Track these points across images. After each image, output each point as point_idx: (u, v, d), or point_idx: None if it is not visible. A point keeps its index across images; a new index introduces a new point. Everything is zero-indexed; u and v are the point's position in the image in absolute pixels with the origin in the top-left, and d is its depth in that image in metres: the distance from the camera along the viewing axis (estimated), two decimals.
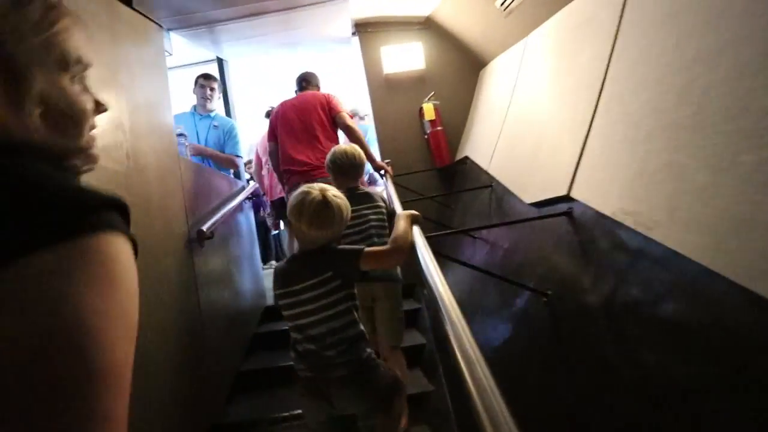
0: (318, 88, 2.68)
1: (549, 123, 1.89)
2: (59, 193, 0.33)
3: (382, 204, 1.81)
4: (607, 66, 1.43)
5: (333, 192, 1.20)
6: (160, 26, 2.29)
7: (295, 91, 2.70)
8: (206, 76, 2.96)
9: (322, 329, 1.15)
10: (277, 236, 5.05)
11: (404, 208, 1.66)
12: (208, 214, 2.29)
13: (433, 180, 3.35)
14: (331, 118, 2.44)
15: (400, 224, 1.25)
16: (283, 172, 2.44)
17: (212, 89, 2.91)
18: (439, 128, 3.25)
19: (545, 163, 1.79)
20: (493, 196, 2.31)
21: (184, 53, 3.45)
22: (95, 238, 0.32)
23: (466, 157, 3.03)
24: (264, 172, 3.52)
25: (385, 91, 3.44)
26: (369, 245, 1.36)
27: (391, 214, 1.76)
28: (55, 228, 0.31)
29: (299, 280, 1.17)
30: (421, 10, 3.26)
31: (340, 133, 2.54)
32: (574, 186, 1.45)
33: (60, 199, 0.33)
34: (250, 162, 5.06)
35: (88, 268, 0.31)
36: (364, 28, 3.44)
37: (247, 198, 3.10)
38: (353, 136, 2.37)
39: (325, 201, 1.15)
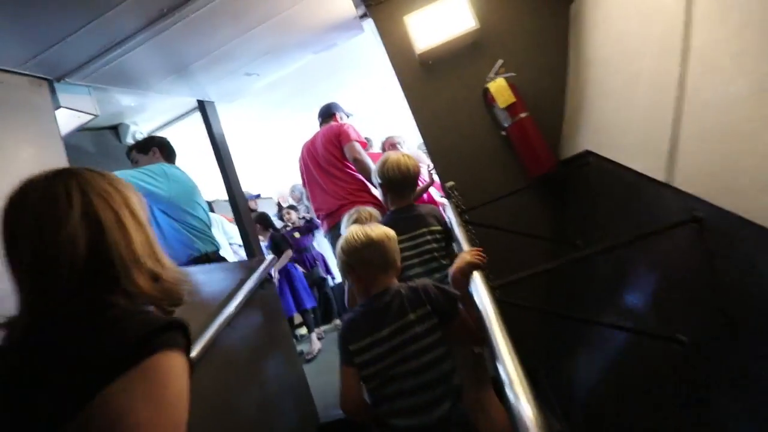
0: (334, 118, 2.51)
1: None
2: (129, 329, 0.52)
3: (438, 226, 1.58)
4: None
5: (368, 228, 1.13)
6: (46, 80, 1.44)
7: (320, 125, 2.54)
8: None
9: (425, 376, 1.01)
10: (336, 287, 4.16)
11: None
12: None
13: (531, 201, 2.10)
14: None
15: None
16: (317, 218, 2.45)
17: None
18: (523, 115, 1.99)
19: None
20: (711, 238, 1.04)
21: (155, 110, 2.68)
22: (152, 359, 0.50)
23: (588, 153, 1.74)
24: None
25: (423, 78, 2.28)
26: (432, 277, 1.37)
27: (450, 237, 1.57)
28: (122, 360, 0.49)
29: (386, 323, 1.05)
30: None
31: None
32: None
33: (129, 334, 0.52)
34: (289, 208, 4.27)
35: (146, 385, 0.49)
36: (374, 0, 2.32)
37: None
38: (360, 169, 2.23)
39: (368, 238, 1.11)
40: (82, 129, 2.08)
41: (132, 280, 0.58)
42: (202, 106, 2.62)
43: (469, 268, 1.11)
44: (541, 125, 2.02)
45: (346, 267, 1.13)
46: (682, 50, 1.14)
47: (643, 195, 1.33)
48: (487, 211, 2.00)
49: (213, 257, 2.12)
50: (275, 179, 6.36)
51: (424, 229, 1.52)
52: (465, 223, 1.70)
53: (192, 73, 2.11)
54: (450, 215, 1.49)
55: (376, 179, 1.64)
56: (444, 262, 1.48)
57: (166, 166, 2.19)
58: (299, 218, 4.30)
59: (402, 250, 1.37)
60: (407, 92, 2.29)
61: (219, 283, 1.86)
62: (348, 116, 2.67)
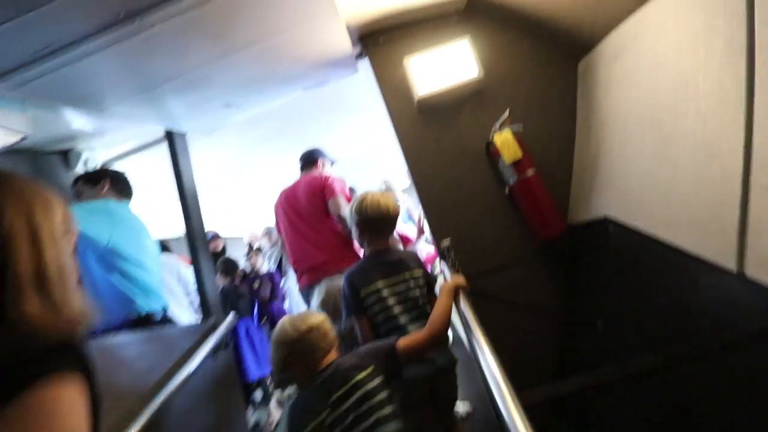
0: (316, 165, 2.37)
1: None
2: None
3: (420, 270, 1.46)
4: None
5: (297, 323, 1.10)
6: None
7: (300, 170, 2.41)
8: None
9: None
10: None
11: None
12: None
13: (539, 269, 1.86)
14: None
15: (441, 302, 1.23)
16: (294, 270, 2.25)
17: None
18: (531, 172, 1.80)
19: None
20: None
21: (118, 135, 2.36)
22: (29, 393, 0.43)
23: (607, 220, 1.53)
24: None
25: (422, 125, 2.09)
26: (415, 329, 1.31)
27: (431, 285, 1.49)
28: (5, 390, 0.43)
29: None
30: None
31: None
32: None
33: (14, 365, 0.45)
34: (257, 250, 3.89)
35: (28, 415, 0.42)
36: (372, 39, 2.18)
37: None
38: (345, 226, 2.06)
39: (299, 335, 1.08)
40: (12, 150, 1.73)
41: (19, 305, 0.50)
42: (171, 138, 2.32)
43: (458, 289, 1.29)
44: (547, 184, 1.83)
45: (288, 359, 1.08)
46: (745, 112, 0.96)
47: (693, 279, 1.09)
48: (489, 278, 1.73)
49: (157, 319, 1.73)
50: (250, 218, 5.99)
51: (407, 274, 1.42)
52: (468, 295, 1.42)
53: (159, 98, 1.83)
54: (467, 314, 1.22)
55: (352, 217, 1.51)
56: (428, 310, 1.36)
57: (113, 203, 1.84)
58: (267, 264, 3.91)
59: (383, 298, 1.37)
60: (402, 139, 2.08)
61: (158, 355, 1.47)
62: (332, 163, 2.51)
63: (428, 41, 2.07)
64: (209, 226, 4.13)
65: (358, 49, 2.25)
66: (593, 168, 1.71)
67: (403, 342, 1.12)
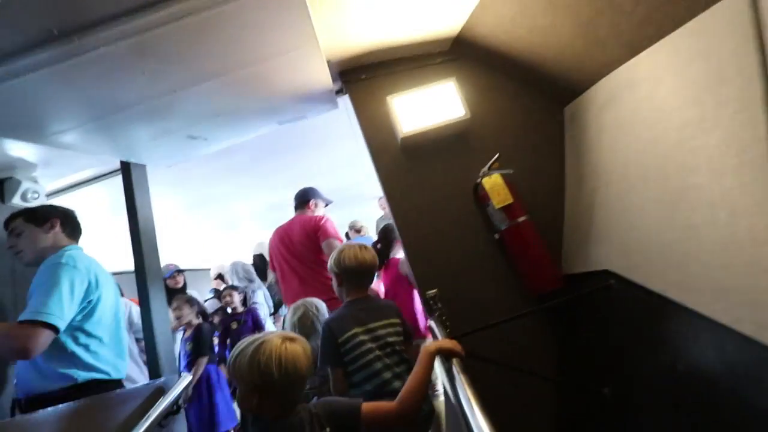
0: (308, 205, 2.41)
1: None
2: None
3: (397, 319, 1.48)
4: None
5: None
6: None
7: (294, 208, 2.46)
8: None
9: None
10: None
11: None
12: None
13: (532, 323, 1.70)
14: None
15: (417, 372, 1.05)
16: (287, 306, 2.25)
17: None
18: (522, 218, 1.68)
19: None
20: None
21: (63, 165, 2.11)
22: None
23: (607, 273, 1.41)
24: None
25: (406, 164, 1.96)
26: (391, 375, 1.33)
27: (408, 335, 1.49)
28: None
29: None
30: (443, 26, 1.90)
31: None
32: None
33: None
34: (231, 288, 3.56)
35: None
36: (354, 76, 2.08)
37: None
38: None
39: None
40: None
41: None
42: (127, 170, 2.09)
43: (446, 353, 1.12)
44: (538, 231, 1.71)
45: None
46: None
47: (719, 347, 0.96)
48: (479, 333, 1.55)
49: (98, 386, 1.45)
50: (216, 252, 5.63)
51: (385, 321, 1.45)
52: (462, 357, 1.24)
53: (112, 127, 1.62)
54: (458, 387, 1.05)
55: (330, 269, 1.57)
56: (405, 357, 1.41)
57: (75, 250, 1.59)
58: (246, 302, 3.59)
59: (362, 341, 1.38)
60: (385, 180, 1.94)
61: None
62: (326, 204, 2.54)
63: (413, 81, 1.99)
64: (171, 258, 3.82)
65: (338, 85, 2.14)
66: (588, 217, 1.61)
67: (367, 408, 1.00)
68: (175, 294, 3.37)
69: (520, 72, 1.95)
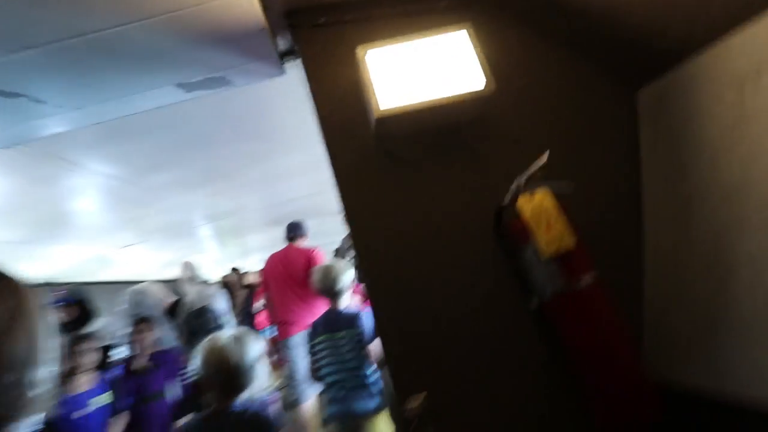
0: (302, 238, 2.83)
1: None
2: None
3: (360, 330, 1.74)
4: None
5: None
6: None
7: (285, 239, 2.83)
8: None
9: None
10: None
11: None
12: None
13: None
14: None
15: None
16: (278, 323, 2.65)
17: None
18: (589, 278, 0.90)
19: None
20: None
21: None
22: None
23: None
24: None
25: (380, 167, 1.16)
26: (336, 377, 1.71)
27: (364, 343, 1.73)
28: None
29: None
30: None
31: None
32: None
33: None
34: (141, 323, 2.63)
35: None
36: (306, 19, 1.27)
37: None
38: None
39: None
40: None
41: None
42: None
43: None
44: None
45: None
46: None
47: None
48: None
49: None
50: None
51: (349, 329, 1.76)
52: None
53: None
54: None
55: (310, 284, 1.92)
56: (354, 364, 1.73)
57: None
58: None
59: (320, 350, 1.80)
60: (346, 191, 1.14)
61: None
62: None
63: (400, 27, 1.21)
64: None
65: (286, 41, 1.35)
66: (696, 273, 0.84)
67: None
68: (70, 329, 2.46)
69: (577, 34, 1.20)
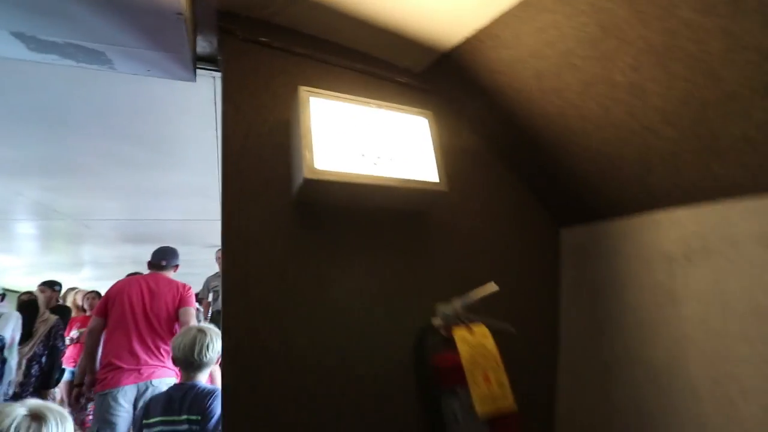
0: (174, 269, 2.44)
1: None
2: None
3: (210, 417, 1.37)
4: None
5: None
6: None
7: (149, 264, 2.38)
8: None
9: None
10: None
11: None
12: None
13: None
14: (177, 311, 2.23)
15: None
16: (105, 364, 2.08)
17: None
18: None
19: None
20: None
21: None
22: None
23: None
24: None
25: (296, 243, 0.89)
26: None
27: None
28: None
29: None
30: (427, 30, 1.01)
31: None
32: None
33: None
34: None
35: None
36: (245, 29, 1.01)
37: None
38: None
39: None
40: None
41: None
42: None
43: None
44: None
45: None
46: None
47: None
48: None
49: None
50: None
51: (184, 416, 1.37)
52: None
53: None
54: None
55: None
56: None
57: None
58: None
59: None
60: (237, 240, 0.83)
61: None
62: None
63: (352, 85, 1.03)
64: None
65: (208, 44, 1.06)
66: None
67: None
68: None
69: (518, 151, 1.17)
